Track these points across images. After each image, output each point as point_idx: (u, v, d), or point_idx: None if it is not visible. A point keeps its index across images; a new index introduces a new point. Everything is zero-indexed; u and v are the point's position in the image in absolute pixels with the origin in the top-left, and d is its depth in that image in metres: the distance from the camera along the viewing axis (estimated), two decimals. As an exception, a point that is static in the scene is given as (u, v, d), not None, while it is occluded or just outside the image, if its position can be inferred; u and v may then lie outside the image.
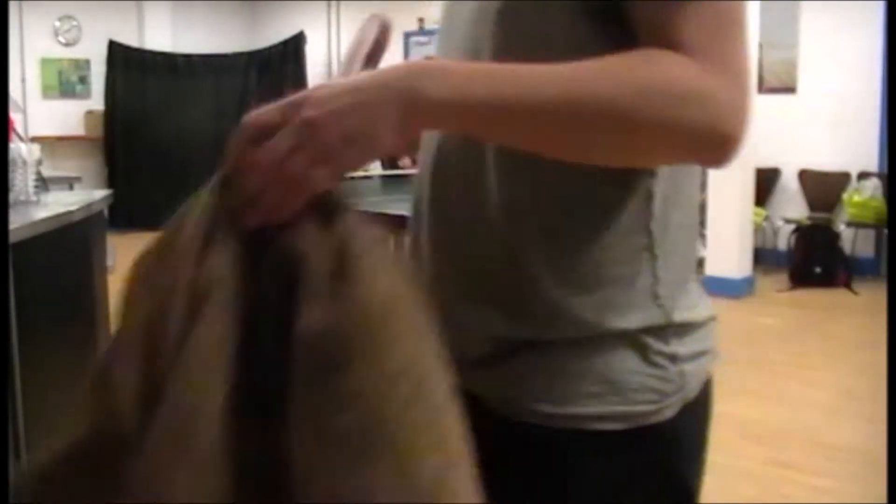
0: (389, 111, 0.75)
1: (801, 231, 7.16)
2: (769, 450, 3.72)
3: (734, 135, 0.83)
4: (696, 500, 1.00)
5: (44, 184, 3.46)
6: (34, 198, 3.26)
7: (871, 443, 3.67)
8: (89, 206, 3.36)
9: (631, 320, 0.92)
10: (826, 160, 7.47)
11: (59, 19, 10.17)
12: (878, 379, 4.02)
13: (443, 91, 0.76)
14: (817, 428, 4.01)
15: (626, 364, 0.92)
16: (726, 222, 6.61)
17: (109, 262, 3.79)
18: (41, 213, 3.00)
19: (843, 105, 7.38)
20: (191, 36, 10.74)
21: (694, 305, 0.98)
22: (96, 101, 10.31)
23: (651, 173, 0.93)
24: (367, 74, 0.81)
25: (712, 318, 1.01)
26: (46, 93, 10.15)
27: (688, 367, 0.95)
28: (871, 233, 7.25)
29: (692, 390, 0.96)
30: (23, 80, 9.76)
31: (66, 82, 10.32)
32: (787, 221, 7.44)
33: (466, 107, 0.77)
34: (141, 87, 10.25)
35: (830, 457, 3.68)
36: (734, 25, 0.83)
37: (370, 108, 0.74)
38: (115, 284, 3.13)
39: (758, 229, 7.19)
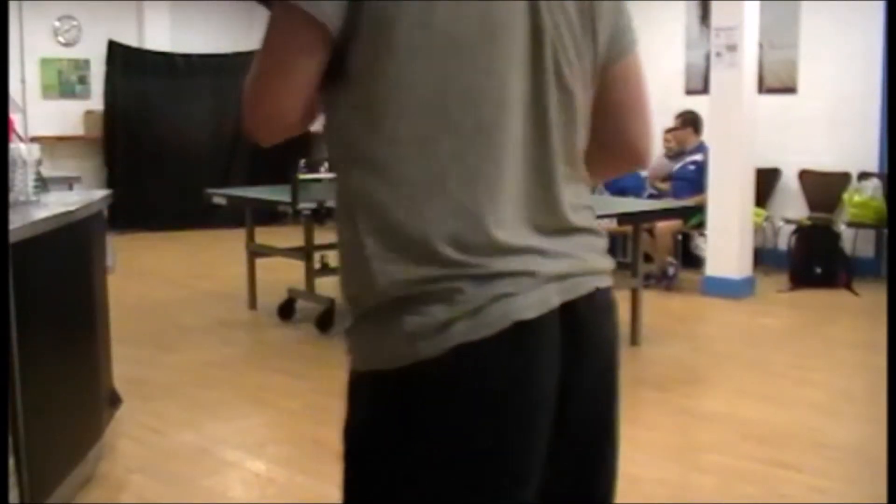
0: None
1: (802, 231, 7.16)
2: (769, 450, 3.72)
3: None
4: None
5: (44, 184, 3.46)
6: (34, 198, 3.26)
7: (870, 443, 3.67)
8: (89, 206, 3.36)
9: None
10: (826, 160, 7.46)
11: (59, 19, 10.15)
12: (878, 380, 4.01)
13: None
14: (817, 428, 4.01)
15: None
16: (726, 222, 6.61)
17: (109, 262, 3.79)
18: (41, 213, 2.99)
19: (843, 105, 7.38)
20: (190, 36, 10.73)
21: None
22: (96, 102, 10.29)
23: None
24: None
25: None
26: (46, 93, 10.13)
27: None
28: (871, 233, 7.25)
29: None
30: (22, 81, 9.73)
31: (65, 82, 10.31)
32: (788, 222, 7.43)
33: None
34: (141, 87, 10.23)
35: (830, 457, 3.68)
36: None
37: None
38: (115, 284, 3.15)
39: (758, 229, 7.18)
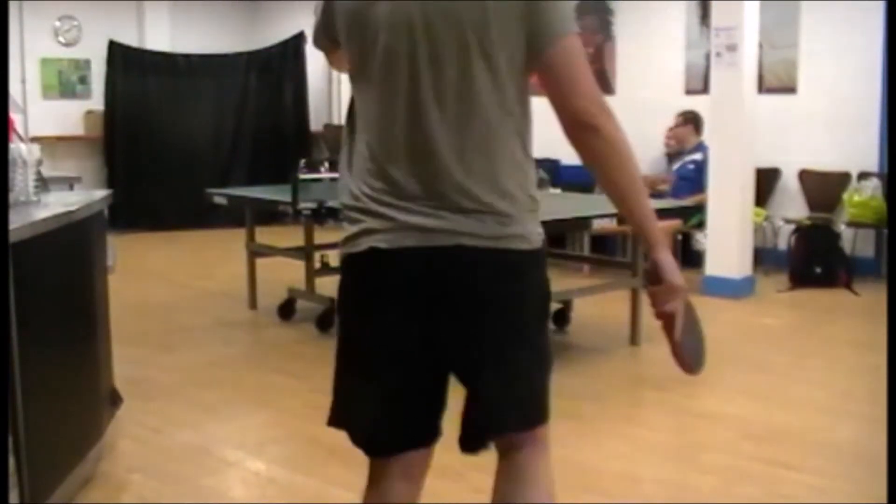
0: None
1: (802, 231, 7.16)
2: (769, 450, 3.72)
3: None
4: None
5: (44, 184, 3.46)
6: (34, 198, 3.26)
7: (870, 443, 3.67)
8: (89, 206, 3.36)
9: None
10: (826, 160, 7.46)
11: (59, 19, 10.16)
12: (878, 379, 4.02)
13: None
14: (817, 428, 4.01)
15: None
16: (726, 222, 6.61)
17: (109, 262, 3.79)
18: (41, 213, 3.00)
19: (843, 105, 7.38)
20: (191, 36, 10.74)
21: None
22: (96, 101, 10.30)
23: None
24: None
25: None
26: (46, 93, 10.14)
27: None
28: (871, 233, 7.25)
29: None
30: (23, 80, 9.74)
31: (66, 82, 10.32)
32: (787, 221, 7.43)
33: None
34: (141, 87, 10.23)
35: (830, 457, 3.68)
36: None
37: None
38: (115, 284, 3.16)
39: (758, 229, 7.19)
